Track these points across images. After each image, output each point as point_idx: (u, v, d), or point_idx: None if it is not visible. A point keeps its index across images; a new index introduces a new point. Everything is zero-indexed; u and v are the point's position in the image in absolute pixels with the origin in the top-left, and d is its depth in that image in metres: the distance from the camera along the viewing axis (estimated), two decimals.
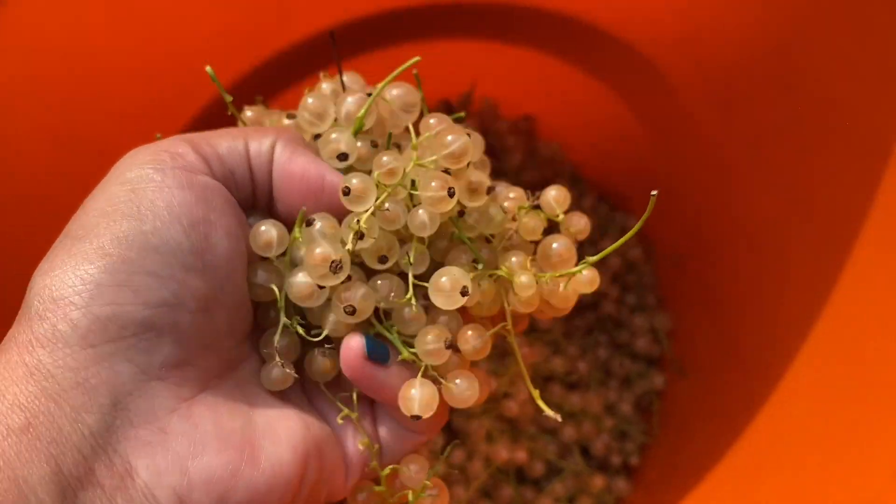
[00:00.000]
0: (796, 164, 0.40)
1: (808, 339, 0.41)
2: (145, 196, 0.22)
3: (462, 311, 0.26)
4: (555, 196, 0.28)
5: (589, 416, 0.50)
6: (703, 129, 0.46)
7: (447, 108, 0.52)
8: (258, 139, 0.24)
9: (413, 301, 0.25)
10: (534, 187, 0.53)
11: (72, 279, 0.21)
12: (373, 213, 0.24)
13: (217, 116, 0.44)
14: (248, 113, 0.30)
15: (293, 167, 0.24)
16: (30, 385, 0.20)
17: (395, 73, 0.26)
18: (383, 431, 0.26)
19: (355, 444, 0.26)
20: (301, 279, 0.24)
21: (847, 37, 0.34)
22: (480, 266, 0.26)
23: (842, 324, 0.38)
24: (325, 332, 0.25)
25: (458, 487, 0.46)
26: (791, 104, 0.39)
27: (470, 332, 0.25)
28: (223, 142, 0.24)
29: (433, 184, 0.24)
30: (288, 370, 0.24)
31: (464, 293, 0.24)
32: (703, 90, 0.44)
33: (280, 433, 0.23)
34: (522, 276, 0.25)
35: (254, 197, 0.25)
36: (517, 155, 0.52)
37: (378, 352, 0.24)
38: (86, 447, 0.20)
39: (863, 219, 0.36)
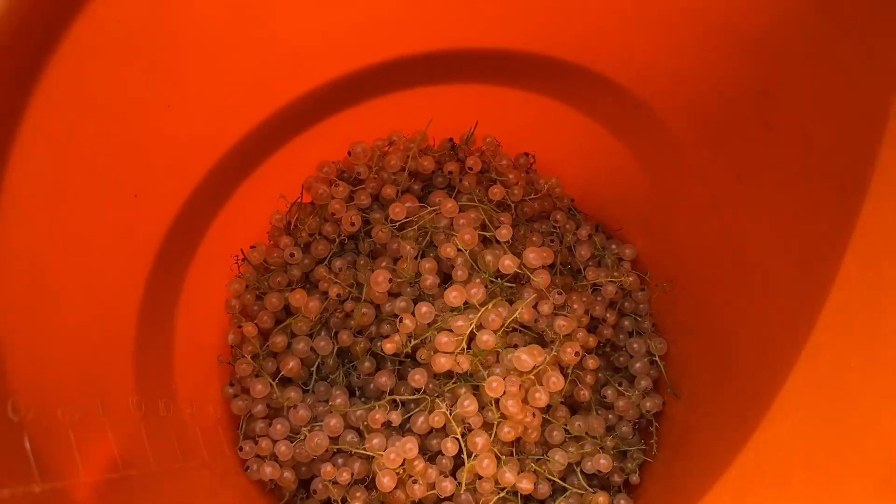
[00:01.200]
0: (778, 197, 0.43)
1: (794, 363, 0.44)
2: None
3: None
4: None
5: (591, 437, 0.53)
6: (692, 162, 0.49)
7: (451, 146, 0.56)
8: None
9: None
10: (535, 219, 0.57)
11: None
12: None
13: (239, 161, 0.47)
14: None
15: None
16: None
17: None
18: None
19: None
20: None
21: (822, 83, 0.37)
22: None
23: (825, 346, 0.41)
24: None
25: None
26: (771, 142, 0.42)
27: None
28: None
29: None
30: None
31: None
32: (693, 128, 0.47)
33: None
34: None
35: None
36: (518, 189, 0.55)
37: None
38: None
39: (843, 248, 0.39)
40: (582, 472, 0.53)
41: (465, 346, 0.48)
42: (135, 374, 0.40)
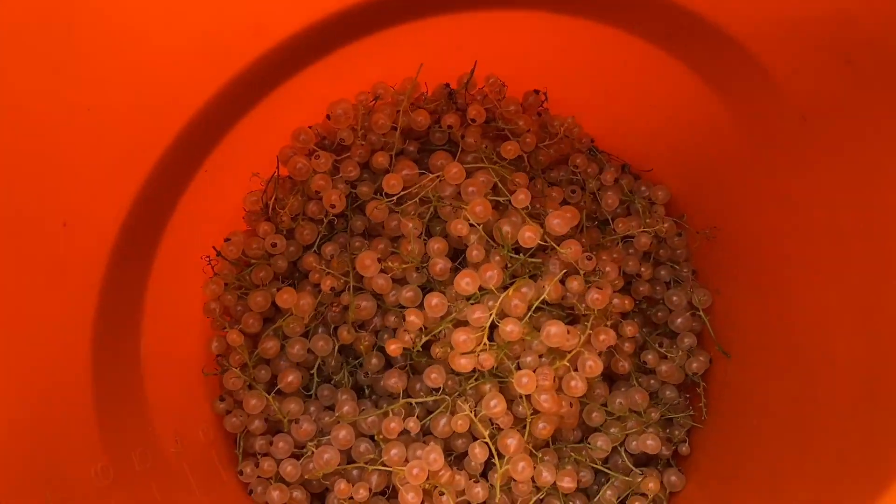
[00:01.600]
0: (871, 167, 0.35)
1: (863, 319, 0.37)
2: None
3: None
4: None
5: (636, 414, 0.47)
6: (770, 94, 0.40)
7: (447, 93, 0.47)
8: None
9: None
10: (551, 167, 0.49)
11: None
12: None
13: (196, 141, 0.39)
14: None
15: None
16: None
17: None
18: None
19: None
20: None
21: None
22: None
23: None
24: None
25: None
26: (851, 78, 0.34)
27: None
28: None
29: None
30: None
31: None
32: (794, 79, 0.38)
33: None
34: None
35: None
36: (531, 137, 0.47)
37: None
38: None
39: None
40: (626, 451, 0.47)
41: (487, 340, 0.41)
42: (99, 432, 0.34)
